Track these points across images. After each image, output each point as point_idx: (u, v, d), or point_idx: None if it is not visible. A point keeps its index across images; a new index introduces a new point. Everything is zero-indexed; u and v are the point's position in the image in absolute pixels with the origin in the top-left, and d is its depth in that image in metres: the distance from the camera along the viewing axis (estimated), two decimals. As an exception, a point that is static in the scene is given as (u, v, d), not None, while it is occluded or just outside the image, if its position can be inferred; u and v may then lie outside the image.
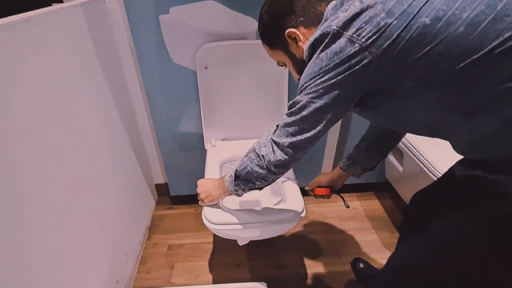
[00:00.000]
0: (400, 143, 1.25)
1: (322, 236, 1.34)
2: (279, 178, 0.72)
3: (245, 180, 0.73)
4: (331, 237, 1.33)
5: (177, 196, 1.48)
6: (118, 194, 1.08)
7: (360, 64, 0.50)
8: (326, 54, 0.53)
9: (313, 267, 1.20)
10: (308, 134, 0.60)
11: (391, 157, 1.35)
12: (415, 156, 1.14)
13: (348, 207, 0.95)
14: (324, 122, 0.59)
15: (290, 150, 0.63)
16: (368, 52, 0.49)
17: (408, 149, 1.18)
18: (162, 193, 1.56)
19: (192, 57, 1.05)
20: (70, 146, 0.80)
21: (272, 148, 0.66)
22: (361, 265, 1.17)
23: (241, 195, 0.78)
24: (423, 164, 1.09)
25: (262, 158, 0.68)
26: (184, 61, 1.08)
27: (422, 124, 0.58)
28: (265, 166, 0.68)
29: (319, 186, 0.94)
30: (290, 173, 1.03)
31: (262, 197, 1.13)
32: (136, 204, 1.27)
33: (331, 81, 0.53)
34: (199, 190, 0.87)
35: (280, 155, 0.65)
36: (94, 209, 0.92)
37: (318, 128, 0.59)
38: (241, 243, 0.96)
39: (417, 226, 0.67)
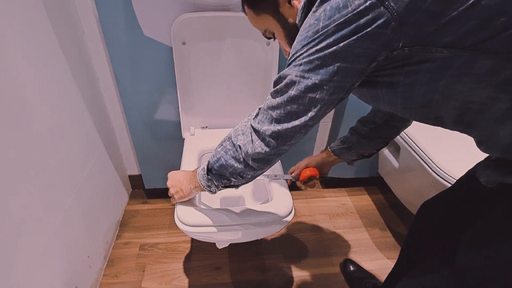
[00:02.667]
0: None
1: (310, 234, 1.24)
2: (260, 175, 0.59)
3: (218, 175, 0.60)
4: (319, 235, 1.24)
5: (153, 190, 1.34)
6: (80, 185, 0.93)
7: (373, 26, 0.36)
8: (325, 11, 0.39)
9: (300, 269, 1.10)
10: (297, 122, 0.46)
11: (386, 151, 1.26)
12: (414, 151, 1.04)
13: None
14: (319, 105, 0.45)
15: (273, 141, 0.49)
16: (384, 7, 0.35)
17: (406, 142, 1.09)
18: (137, 186, 1.41)
19: (167, 30, 0.90)
20: (15, 128, 0.65)
21: (251, 137, 0.52)
22: (352, 268, 1.08)
23: (215, 193, 0.65)
24: (423, 160, 0.99)
25: (238, 149, 0.54)
26: (157, 35, 0.92)
27: (454, 111, 0.44)
28: (242, 159, 0.54)
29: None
30: (279, 169, 0.91)
31: (245, 194, 1.01)
32: (104, 197, 1.12)
33: (331, 49, 0.39)
34: (169, 184, 0.73)
35: (260, 147, 0.51)
36: (49, 203, 0.78)
37: (311, 113, 0.45)
38: (220, 246, 0.85)
39: (434, 252, 0.56)
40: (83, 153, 0.97)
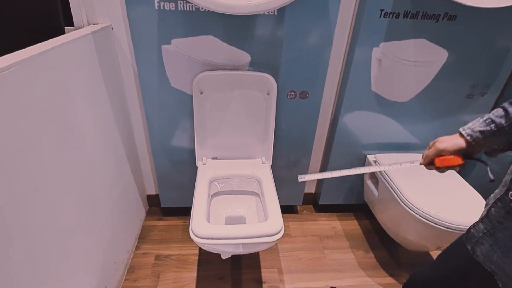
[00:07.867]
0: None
1: (302, 253, 1.42)
2: None
3: None
4: (310, 254, 1.42)
5: (167, 208, 1.56)
6: (113, 203, 1.16)
7: None
8: None
9: (292, 282, 1.28)
10: None
11: (368, 182, 1.46)
12: (388, 184, 1.25)
13: (493, 180, 0.66)
14: None
15: None
16: None
17: (383, 177, 1.29)
18: (153, 204, 1.63)
19: (190, 83, 1.16)
20: (74, 157, 0.88)
21: None
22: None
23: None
24: (395, 193, 1.19)
25: None
26: (182, 86, 1.18)
27: None
28: None
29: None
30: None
31: (247, 214, 1.22)
32: (128, 213, 1.34)
33: None
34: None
35: None
36: (91, 216, 0.99)
37: None
38: (224, 257, 1.04)
39: None
40: (116, 175, 1.21)
